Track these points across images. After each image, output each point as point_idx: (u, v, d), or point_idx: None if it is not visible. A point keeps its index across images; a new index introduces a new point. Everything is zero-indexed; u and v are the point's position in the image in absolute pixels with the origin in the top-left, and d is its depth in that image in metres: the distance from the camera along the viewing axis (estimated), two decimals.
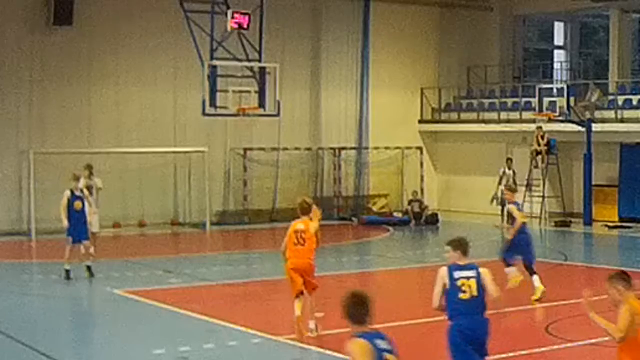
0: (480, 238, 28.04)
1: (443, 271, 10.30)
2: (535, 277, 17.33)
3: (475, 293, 10.15)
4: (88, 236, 20.00)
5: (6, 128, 28.12)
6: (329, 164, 33.36)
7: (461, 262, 10.28)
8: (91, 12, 28.85)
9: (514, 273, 17.70)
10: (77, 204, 19.66)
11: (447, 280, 10.24)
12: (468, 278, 10.19)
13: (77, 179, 20.27)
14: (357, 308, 7.60)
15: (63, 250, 19.81)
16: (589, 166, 30.40)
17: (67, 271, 19.64)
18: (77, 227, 19.62)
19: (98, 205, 22.10)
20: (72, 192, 19.78)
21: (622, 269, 21.32)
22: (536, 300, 17.16)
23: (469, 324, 10.15)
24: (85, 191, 20.28)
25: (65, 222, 19.49)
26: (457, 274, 10.21)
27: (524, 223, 17.59)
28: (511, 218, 18.57)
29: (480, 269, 10.34)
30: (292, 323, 14.14)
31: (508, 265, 17.72)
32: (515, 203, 18.29)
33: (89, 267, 19.96)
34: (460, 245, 10.34)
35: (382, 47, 34.30)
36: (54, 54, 28.60)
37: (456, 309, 10.15)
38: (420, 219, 31.49)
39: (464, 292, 10.15)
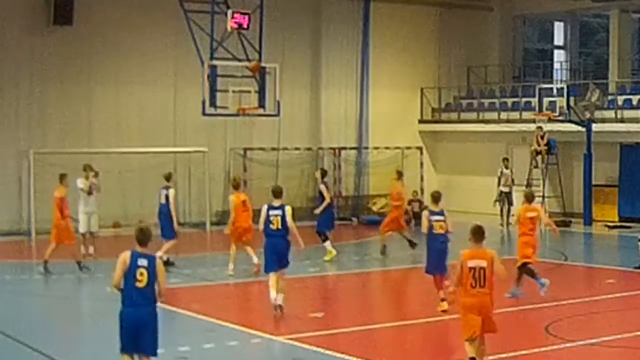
0: None
1: (264, 208, 16.09)
2: (328, 242, 22.12)
3: (280, 226, 15.94)
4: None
5: (6, 128, 28.11)
6: (329, 164, 33.31)
7: (275, 204, 16.05)
8: (91, 12, 28.83)
9: (330, 247, 22.05)
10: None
11: (265, 216, 16.06)
12: (276, 215, 16.00)
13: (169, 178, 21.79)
14: (139, 235, 10.81)
15: (63, 250, 19.86)
16: (589, 166, 30.39)
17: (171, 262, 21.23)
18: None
19: (97, 205, 22.36)
20: None
21: (623, 269, 21.42)
22: (326, 261, 21.66)
23: (272, 243, 16.02)
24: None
25: (177, 225, 21.42)
26: (270, 212, 16.06)
27: (331, 200, 22.50)
28: (320, 195, 22.49)
29: (286, 208, 16.05)
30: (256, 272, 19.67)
31: (325, 239, 22.20)
32: (324, 183, 22.56)
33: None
34: (276, 192, 16.26)
35: (382, 47, 34.28)
36: (54, 53, 28.58)
37: (267, 233, 16.03)
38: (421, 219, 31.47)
39: (272, 224, 15.96)
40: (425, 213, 16.81)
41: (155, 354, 10.97)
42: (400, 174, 24.40)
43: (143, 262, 10.75)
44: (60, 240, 20.65)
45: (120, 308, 10.98)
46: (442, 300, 16.16)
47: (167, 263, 21.08)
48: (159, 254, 20.58)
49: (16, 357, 13.71)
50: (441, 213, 16.51)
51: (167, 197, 21.32)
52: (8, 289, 19.25)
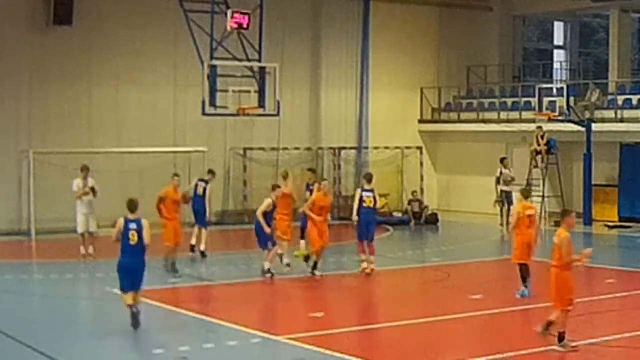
0: (480, 238, 28.10)
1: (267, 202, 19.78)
2: (303, 242, 22.39)
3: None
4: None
5: (6, 128, 28.10)
6: (329, 164, 33.35)
7: (286, 191, 20.38)
8: (91, 12, 28.83)
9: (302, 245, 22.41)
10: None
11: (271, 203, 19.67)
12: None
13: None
14: (129, 204, 14.91)
15: (63, 250, 19.87)
16: (589, 166, 30.39)
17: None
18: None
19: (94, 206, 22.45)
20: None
21: (623, 269, 21.42)
22: (297, 257, 21.69)
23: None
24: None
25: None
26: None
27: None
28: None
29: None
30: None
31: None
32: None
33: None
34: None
35: (382, 47, 34.29)
36: (54, 53, 28.57)
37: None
38: (420, 219, 31.50)
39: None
40: (358, 190, 20.58)
41: (139, 289, 14.98)
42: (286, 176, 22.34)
43: (133, 225, 14.73)
44: (169, 240, 20.47)
45: (119, 258, 14.91)
46: (362, 261, 20.46)
47: (203, 255, 22.88)
48: (202, 247, 22.87)
49: (17, 357, 13.71)
50: (371, 191, 20.29)
51: (204, 190, 23.21)
52: (8, 289, 19.24)
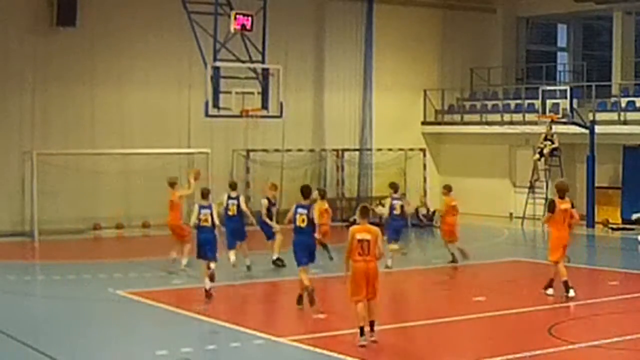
0: (483, 240, 28.07)
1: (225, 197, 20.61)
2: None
3: (235, 212, 20.52)
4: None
5: (9, 129, 28.14)
6: (332, 166, 33.34)
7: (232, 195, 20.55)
8: (94, 13, 28.87)
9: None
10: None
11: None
12: (233, 204, 20.55)
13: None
14: (303, 190, 16.70)
15: (65, 251, 19.89)
16: (592, 168, 30.37)
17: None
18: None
19: None
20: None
21: (626, 271, 21.40)
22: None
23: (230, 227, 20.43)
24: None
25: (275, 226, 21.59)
26: (229, 201, 20.72)
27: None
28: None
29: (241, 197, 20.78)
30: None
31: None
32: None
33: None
34: (232, 185, 20.94)
35: (385, 48, 34.29)
36: (57, 55, 28.61)
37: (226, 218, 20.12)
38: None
39: (230, 210, 20.49)
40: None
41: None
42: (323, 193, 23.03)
43: (303, 210, 16.24)
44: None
45: (293, 238, 16.38)
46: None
47: (277, 263, 21.34)
48: (275, 256, 21.26)
49: (18, 358, 13.72)
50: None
51: (262, 205, 21.82)
52: (11, 289, 19.26)
